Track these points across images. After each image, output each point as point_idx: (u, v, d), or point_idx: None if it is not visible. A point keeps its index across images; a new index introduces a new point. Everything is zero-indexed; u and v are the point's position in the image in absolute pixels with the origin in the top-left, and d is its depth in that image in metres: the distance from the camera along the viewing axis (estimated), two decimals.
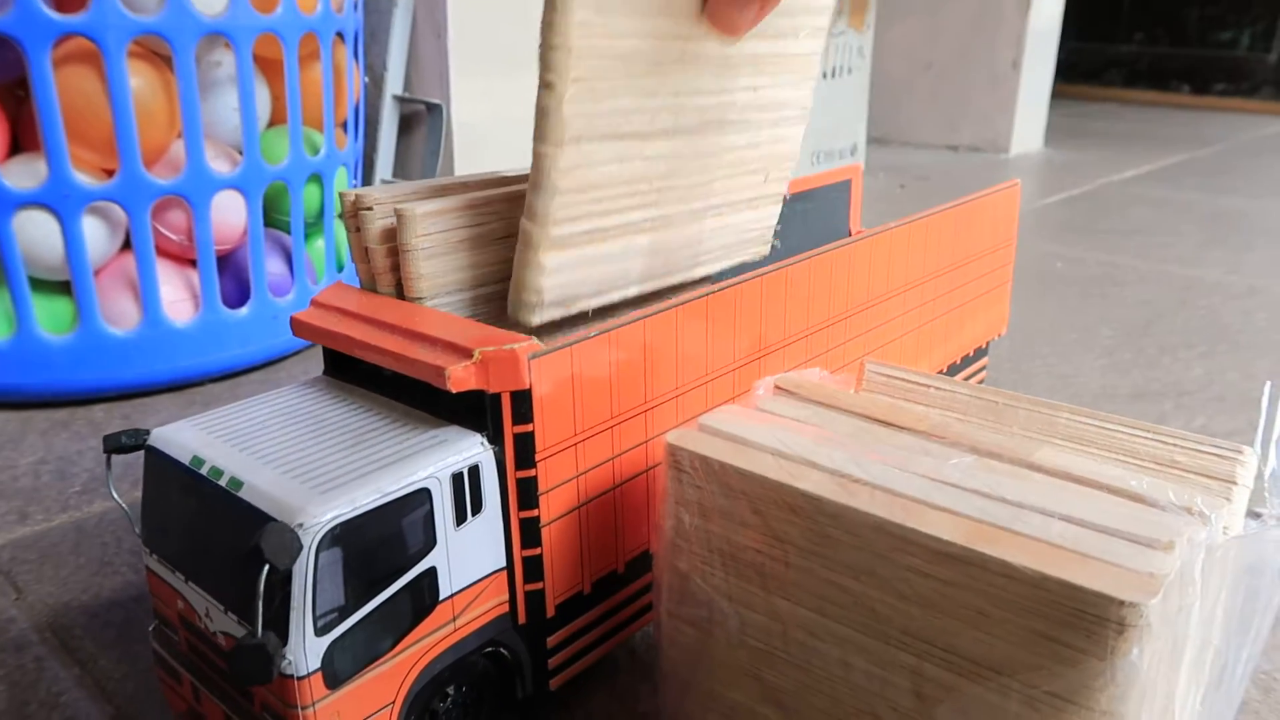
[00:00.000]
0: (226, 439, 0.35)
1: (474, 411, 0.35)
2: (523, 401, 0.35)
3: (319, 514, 0.30)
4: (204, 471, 0.34)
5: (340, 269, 0.86)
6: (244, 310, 0.75)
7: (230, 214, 0.73)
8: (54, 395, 0.71)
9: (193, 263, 0.74)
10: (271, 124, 0.79)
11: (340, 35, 0.80)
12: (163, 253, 0.72)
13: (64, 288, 0.70)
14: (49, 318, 0.70)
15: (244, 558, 0.31)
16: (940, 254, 0.59)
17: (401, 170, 1.02)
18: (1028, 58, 2.12)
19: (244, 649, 0.29)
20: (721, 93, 0.41)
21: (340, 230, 0.87)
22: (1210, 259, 1.18)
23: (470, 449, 0.34)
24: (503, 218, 0.41)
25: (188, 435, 0.36)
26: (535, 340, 0.35)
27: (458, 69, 0.96)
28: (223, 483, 0.33)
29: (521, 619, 0.38)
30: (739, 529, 0.33)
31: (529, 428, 0.35)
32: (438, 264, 0.38)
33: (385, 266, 0.40)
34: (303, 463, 0.33)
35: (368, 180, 1.01)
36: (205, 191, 0.70)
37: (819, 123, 1.63)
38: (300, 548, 0.29)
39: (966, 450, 0.34)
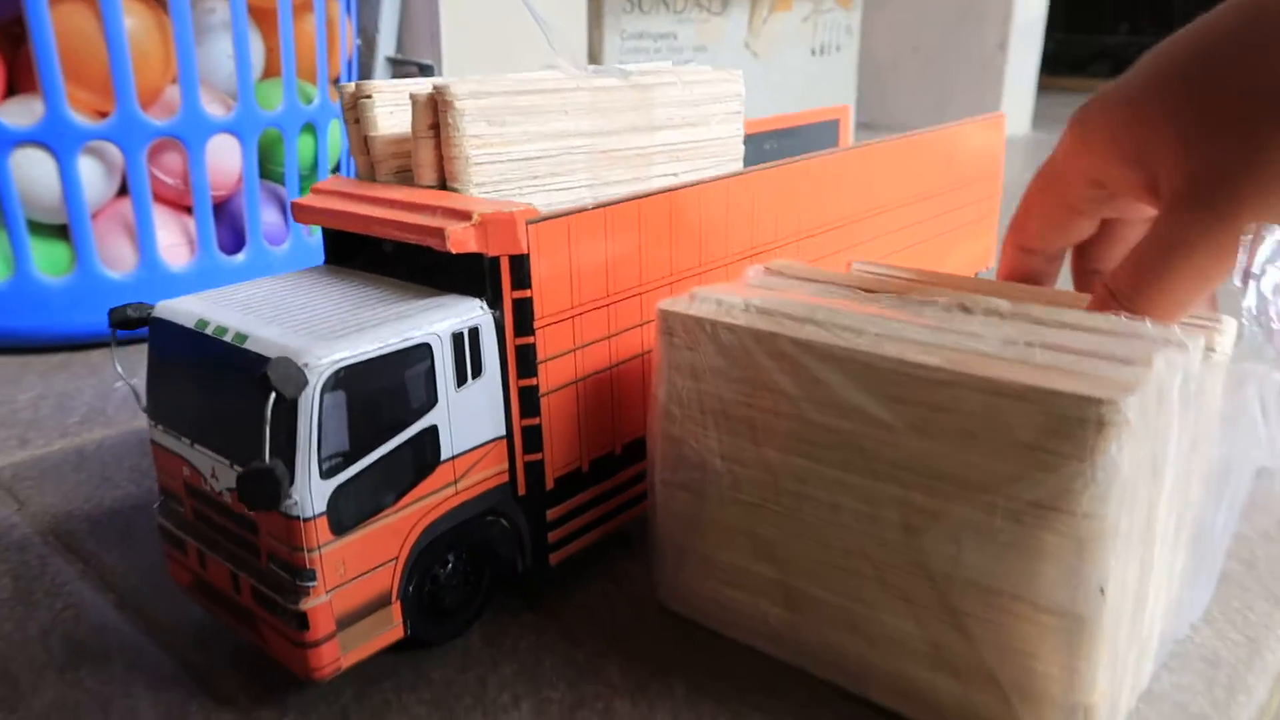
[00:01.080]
0: (231, 307, 0.36)
1: (473, 280, 0.36)
2: (521, 266, 0.36)
3: (324, 354, 0.31)
4: (209, 331, 0.34)
5: None
6: (240, 257, 0.76)
7: (226, 159, 0.74)
8: (51, 338, 0.72)
9: (189, 209, 0.75)
10: (266, 75, 0.80)
11: None
12: (159, 198, 0.73)
13: (60, 231, 0.71)
14: (46, 260, 0.70)
15: (250, 400, 0.32)
16: (925, 176, 0.60)
17: None
18: (1014, 40, 2.14)
19: (252, 473, 0.29)
20: (636, 181, 0.44)
21: None
22: None
23: (470, 311, 0.35)
24: (532, 114, 0.40)
25: (192, 304, 0.36)
26: (533, 206, 0.36)
27: (449, 30, 0.97)
28: (228, 338, 0.34)
29: (521, 490, 0.38)
30: (731, 385, 0.34)
31: (527, 294, 0.36)
32: (478, 150, 0.38)
33: (386, 155, 0.41)
34: (307, 321, 0.34)
35: None
36: (200, 134, 0.71)
37: (809, 98, 1.64)
38: (305, 381, 0.30)
39: (944, 304, 0.35)
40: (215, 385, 0.34)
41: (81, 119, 0.66)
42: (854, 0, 1.76)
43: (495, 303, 0.36)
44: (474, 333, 0.35)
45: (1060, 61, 3.19)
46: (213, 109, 0.72)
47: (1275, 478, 0.45)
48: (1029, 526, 0.28)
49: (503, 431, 0.37)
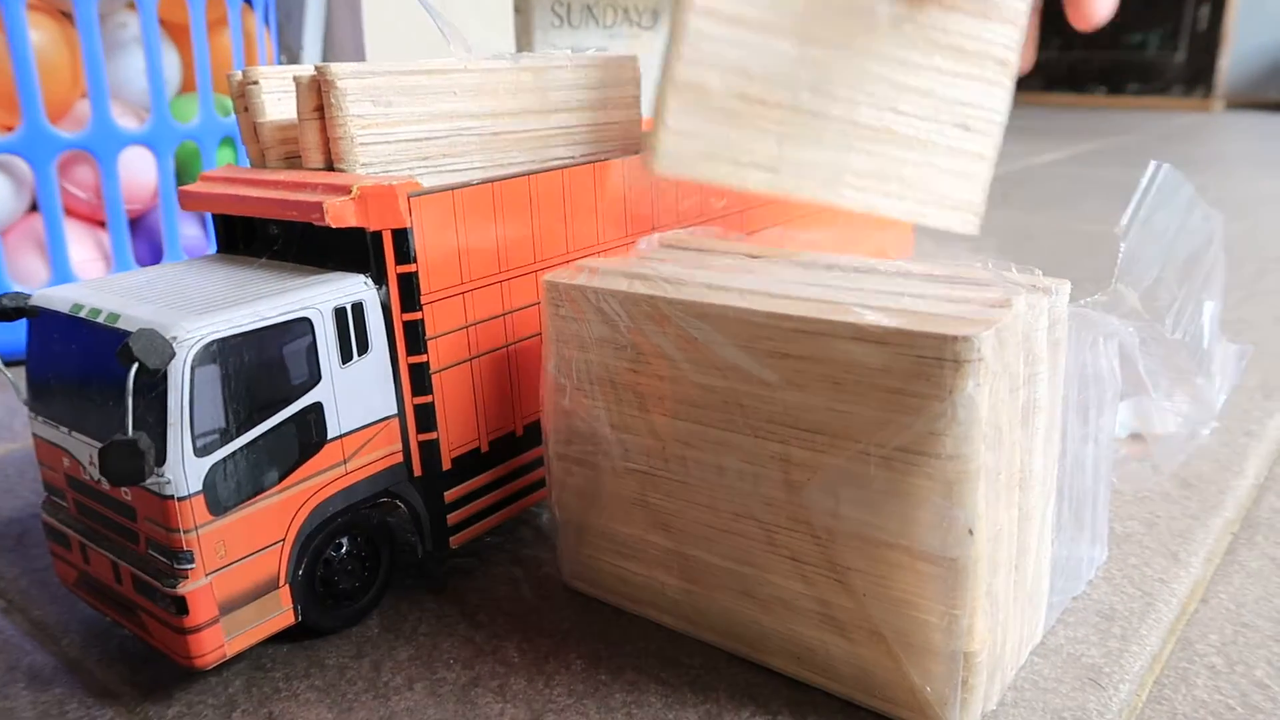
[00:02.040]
0: (111, 291, 0.35)
1: (357, 256, 0.36)
2: (404, 240, 0.36)
3: (194, 329, 0.31)
4: (83, 315, 0.34)
5: None
6: None
7: (140, 173, 0.73)
8: None
9: (103, 224, 0.74)
10: (183, 90, 0.79)
11: (249, 2, 0.81)
12: (72, 213, 0.72)
13: None
14: None
15: (120, 377, 0.31)
16: None
17: None
18: None
19: (114, 445, 0.29)
20: (532, 164, 0.42)
21: None
22: (1118, 218, 1.23)
23: (352, 286, 0.35)
24: (420, 94, 0.40)
25: (70, 290, 0.36)
26: (414, 179, 0.36)
27: (374, 49, 0.97)
28: (101, 319, 0.33)
29: (417, 470, 0.38)
30: (615, 353, 0.34)
31: (412, 268, 0.36)
32: (363, 130, 0.38)
33: (275, 140, 0.40)
34: (183, 299, 0.33)
35: None
36: (112, 146, 0.70)
37: None
38: (172, 353, 0.30)
39: (823, 265, 0.35)
40: (91, 369, 0.34)
41: None
42: None
43: (380, 278, 0.36)
44: (357, 308, 0.35)
45: None
46: (125, 122, 0.71)
47: (1176, 439, 0.46)
48: (899, 472, 0.28)
49: (394, 410, 0.37)
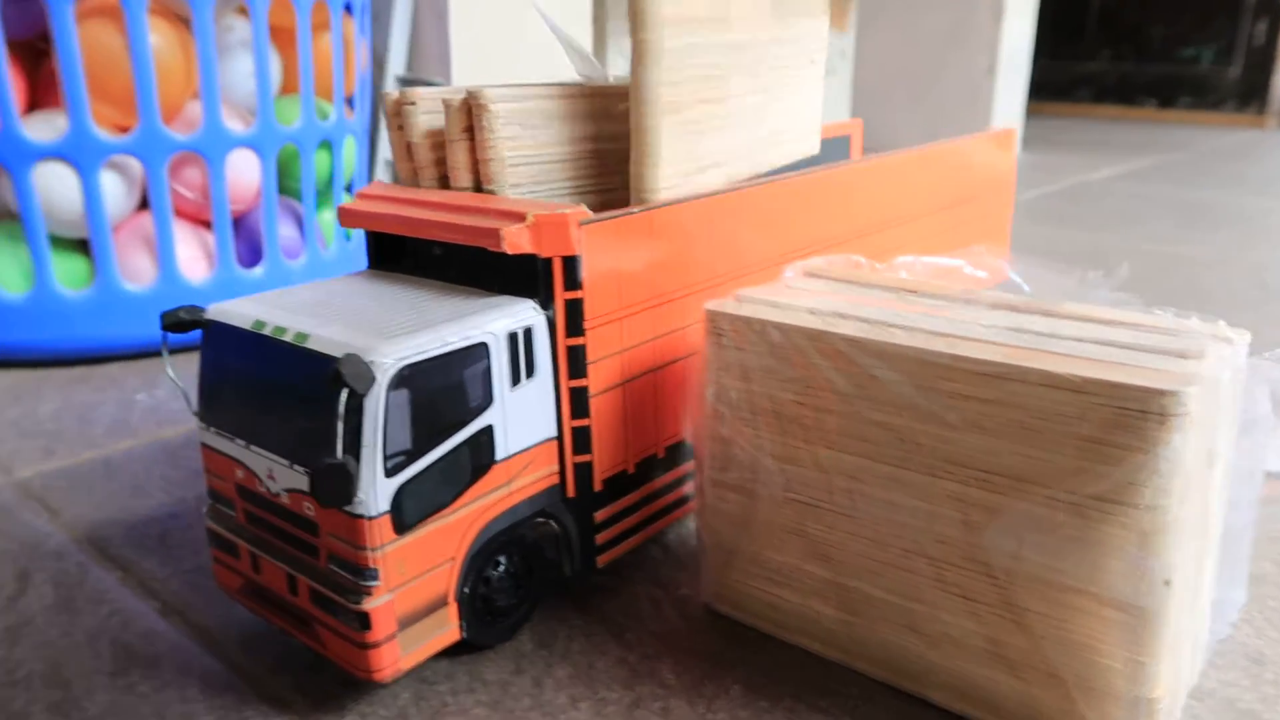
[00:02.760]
0: (286, 308, 0.36)
1: (524, 282, 0.36)
2: (573, 267, 0.36)
3: (390, 352, 0.31)
4: (267, 332, 0.35)
5: (349, 238, 0.87)
6: (258, 270, 0.76)
7: (245, 174, 0.74)
8: (70, 352, 0.71)
9: (207, 224, 0.75)
10: (283, 93, 0.80)
11: (349, 9, 0.82)
12: (178, 213, 0.73)
13: (79, 246, 0.71)
14: (66, 274, 0.70)
15: (316, 398, 0.32)
16: (940, 188, 0.61)
17: None
18: (1002, 66, 2.18)
19: (327, 468, 0.29)
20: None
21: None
22: (1184, 238, 1.22)
23: (524, 312, 0.36)
24: (564, 118, 0.42)
25: (247, 306, 0.37)
26: (583, 207, 0.36)
27: (459, 50, 0.98)
28: (287, 338, 0.34)
29: (570, 492, 0.39)
30: (782, 385, 0.35)
31: (579, 294, 0.37)
32: (513, 152, 0.39)
33: (429, 161, 0.41)
34: (365, 321, 0.34)
35: (372, 160, 1.02)
36: (221, 148, 0.71)
37: None
38: (374, 378, 0.30)
39: (988, 304, 0.35)
40: (274, 386, 0.35)
41: (104, 134, 0.67)
42: (847, 24, 1.79)
43: (547, 303, 0.36)
44: (528, 333, 0.36)
45: (1045, 88, 3.24)
46: (232, 124, 0.72)
47: None
48: (1092, 520, 0.29)
49: (554, 432, 0.38)
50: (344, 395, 0.30)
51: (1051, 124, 2.88)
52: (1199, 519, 0.30)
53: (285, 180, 0.80)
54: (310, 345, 0.33)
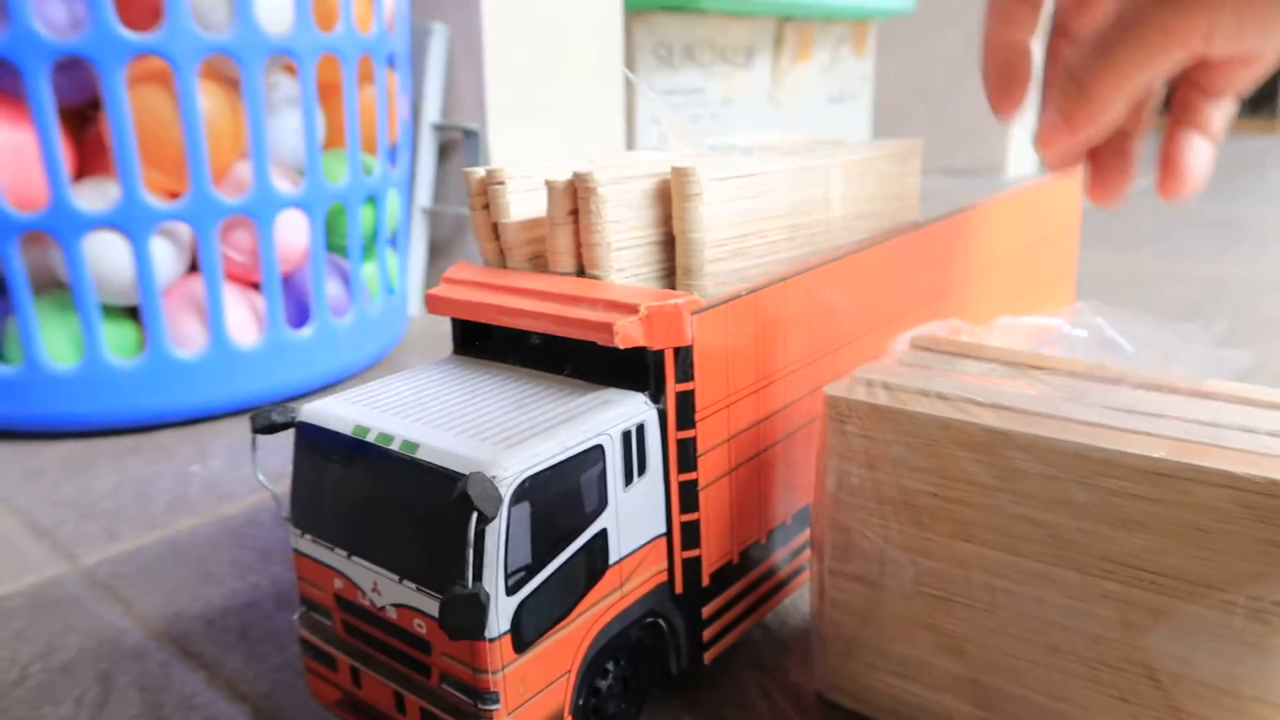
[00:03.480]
0: (383, 409, 0.35)
1: (630, 372, 0.35)
2: (685, 359, 0.35)
3: (511, 465, 0.30)
4: (371, 439, 0.33)
5: (392, 290, 0.86)
6: (306, 331, 0.75)
7: (292, 234, 0.73)
8: (122, 423, 0.70)
9: (254, 284, 0.74)
10: (326, 147, 0.79)
11: (391, 62, 0.81)
12: (227, 275, 0.72)
13: (128, 312, 0.70)
14: (116, 343, 0.69)
15: (430, 514, 0.31)
16: (1017, 234, 0.59)
17: (441, 196, 1.03)
18: None
19: (458, 599, 0.28)
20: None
21: (391, 254, 0.87)
22: (1224, 256, 1.20)
23: (636, 408, 0.34)
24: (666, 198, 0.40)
25: (342, 408, 0.35)
26: (695, 296, 0.35)
27: (494, 96, 0.97)
28: (395, 447, 0.32)
29: (679, 588, 0.37)
30: (913, 474, 0.33)
31: (690, 386, 0.35)
32: (618, 235, 0.38)
33: (520, 241, 0.40)
34: (472, 425, 0.33)
35: (410, 210, 1.01)
36: (270, 210, 0.70)
37: None
38: (500, 498, 0.29)
39: (1131, 384, 0.34)
40: (380, 496, 0.33)
41: (156, 200, 0.66)
42: (866, 49, 1.78)
43: (658, 396, 0.35)
44: (640, 429, 0.34)
45: None
46: (281, 185, 0.71)
47: None
48: (1272, 627, 0.27)
49: (663, 529, 0.36)
50: (474, 519, 0.28)
51: None
52: None
53: (331, 237, 0.78)
54: (421, 456, 0.31)
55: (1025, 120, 1.69)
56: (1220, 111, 0.40)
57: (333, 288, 0.78)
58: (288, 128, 0.74)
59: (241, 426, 0.72)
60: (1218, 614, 0.28)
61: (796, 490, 0.43)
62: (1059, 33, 0.41)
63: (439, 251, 1.04)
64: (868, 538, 0.35)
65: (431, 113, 0.98)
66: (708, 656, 0.39)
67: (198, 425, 0.73)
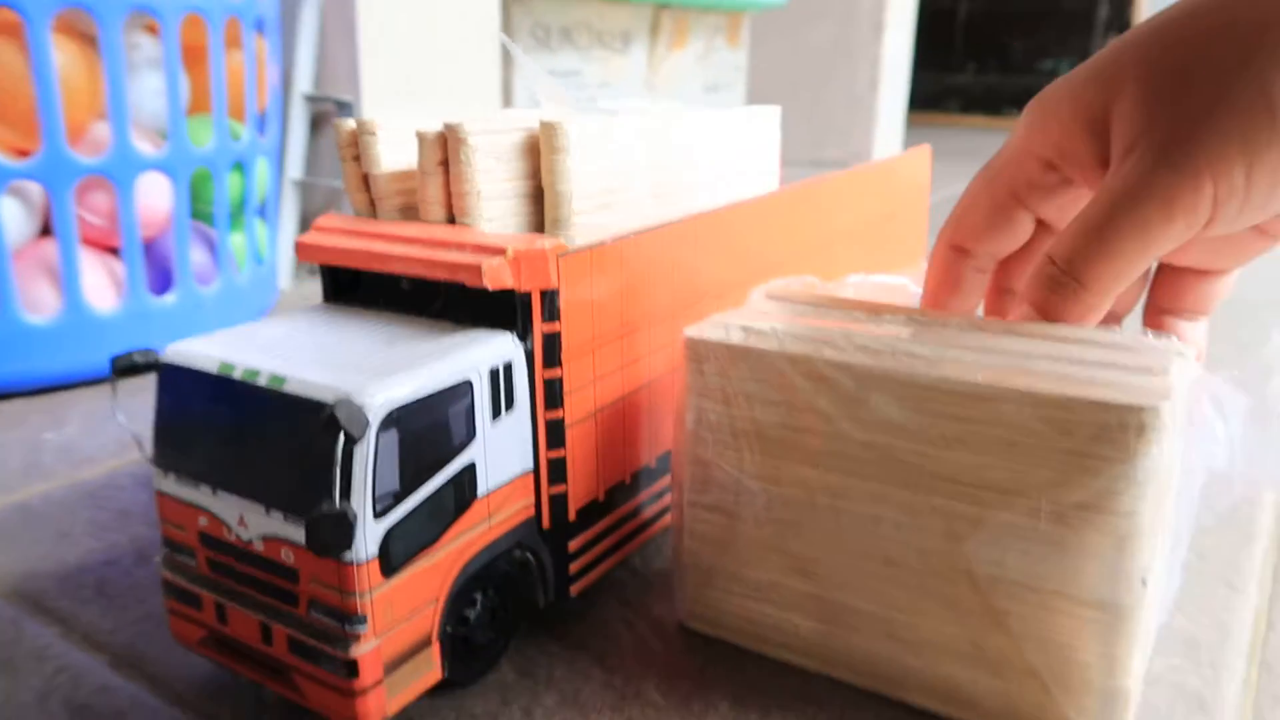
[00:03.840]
0: (251, 349, 0.35)
1: (499, 314, 0.36)
2: (551, 301, 0.36)
3: (379, 394, 0.31)
4: (237, 375, 0.33)
5: (261, 261, 0.84)
6: (169, 298, 0.73)
7: (154, 198, 0.71)
8: None
9: (113, 250, 0.71)
10: (192, 112, 0.77)
11: (260, 27, 0.80)
12: (84, 240, 0.69)
13: None
14: None
15: (298, 442, 0.31)
16: (872, 204, 0.63)
17: (312, 168, 1.01)
18: (884, 79, 2.26)
19: (325, 516, 0.29)
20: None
21: (261, 224, 0.85)
22: None
23: (504, 346, 0.35)
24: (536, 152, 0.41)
25: (207, 347, 0.35)
26: (561, 240, 0.36)
27: (368, 68, 0.96)
28: (261, 382, 0.33)
29: (545, 523, 0.39)
30: (764, 408, 0.36)
31: (556, 327, 0.37)
32: (488, 185, 0.39)
33: (390, 192, 0.40)
34: (341, 360, 0.33)
35: (280, 181, 0.99)
36: (130, 172, 0.68)
37: None
38: (367, 421, 0.30)
39: (957, 326, 0.37)
40: (247, 431, 0.33)
41: (5, 158, 0.63)
42: (741, 40, 1.82)
43: (525, 336, 0.36)
44: (508, 367, 0.36)
45: (916, 98, 3.40)
46: (141, 146, 0.69)
47: (1223, 478, 0.50)
48: (1073, 527, 0.31)
49: (530, 465, 0.37)
50: (341, 440, 0.29)
51: (925, 133, 3.00)
52: (1164, 519, 0.32)
53: (196, 204, 0.76)
54: (289, 389, 0.32)
55: (888, 115, 1.75)
56: (1220, 287, 0.37)
57: (198, 255, 0.76)
58: (149, 89, 0.72)
59: (100, 394, 0.70)
60: (1026, 519, 0.31)
61: (659, 436, 0.45)
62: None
63: (309, 225, 1.02)
64: (724, 470, 0.37)
65: (303, 83, 0.97)
66: (574, 590, 0.41)
67: (53, 394, 0.70)
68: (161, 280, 0.74)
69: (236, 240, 0.82)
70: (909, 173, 0.69)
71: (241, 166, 0.78)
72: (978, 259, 0.40)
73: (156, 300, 0.72)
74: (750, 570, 0.38)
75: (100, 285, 0.70)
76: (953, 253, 0.40)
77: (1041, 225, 0.39)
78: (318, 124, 1.01)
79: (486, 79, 1.09)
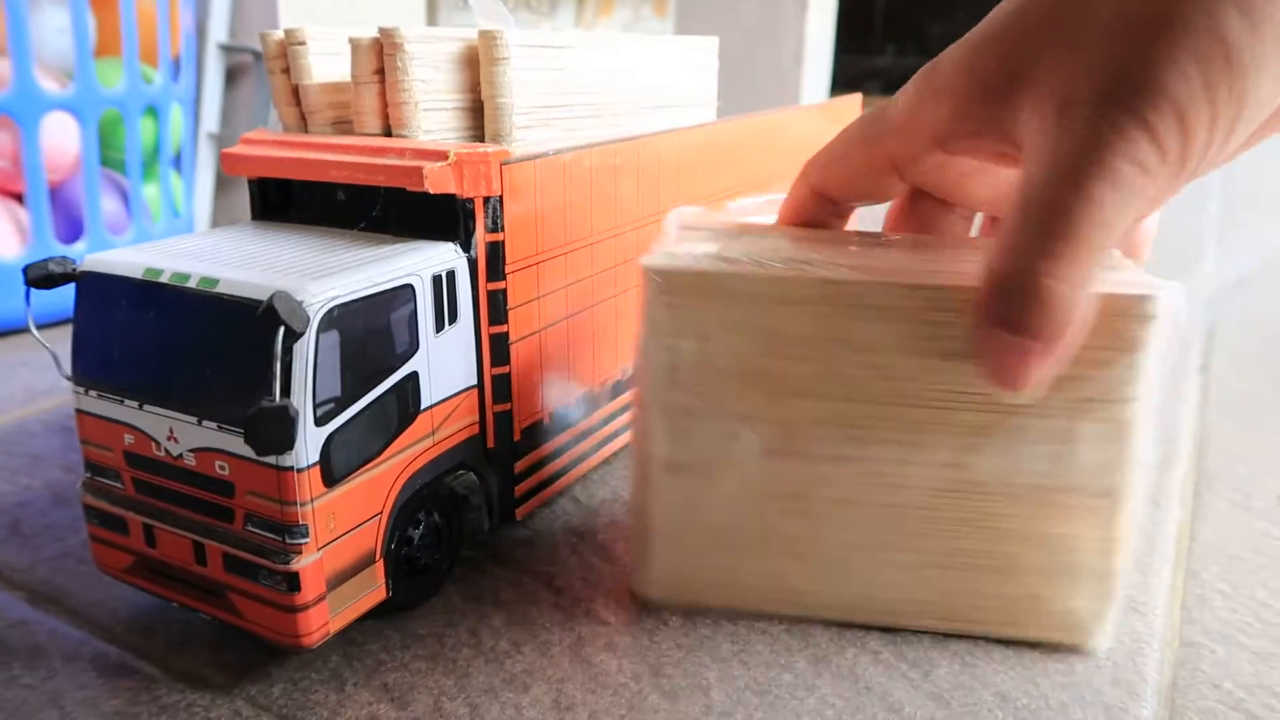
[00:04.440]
0: (179, 257, 0.33)
1: (443, 225, 0.35)
2: (495, 209, 0.35)
3: (318, 292, 0.30)
4: (164, 280, 0.32)
5: (178, 214, 0.81)
6: (79, 246, 0.69)
7: (61, 140, 0.67)
8: None
9: (18, 196, 0.68)
10: (99, 55, 0.73)
11: None
12: None
13: None
14: None
15: (234, 345, 0.30)
16: (799, 146, 0.63)
17: (229, 123, 0.97)
18: (808, 55, 2.29)
19: (265, 411, 0.27)
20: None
21: (176, 177, 0.81)
22: None
23: (446, 254, 0.34)
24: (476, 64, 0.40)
25: (131, 256, 0.34)
26: (505, 148, 0.35)
27: (287, 19, 0.93)
28: (191, 284, 0.31)
29: (490, 442, 0.38)
30: (749, 340, 0.33)
31: (500, 237, 0.36)
32: (426, 96, 0.37)
33: (322, 105, 0.39)
34: (277, 263, 0.32)
35: (196, 134, 0.95)
36: (34, 111, 0.64)
37: None
38: (308, 316, 0.29)
39: (914, 244, 0.37)
40: (176, 339, 0.32)
41: None
42: (667, 11, 1.82)
43: (468, 246, 0.35)
44: (450, 276, 0.35)
45: (838, 81, 3.45)
46: (46, 84, 0.65)
47: None
48: (1080, 420, 0.31)
49: (474, 381, 0.37)
50: (281, 333, 0.28)
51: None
52: (1151, 419, 0.33)
53: (106, 151, 0.73)
54: (221, 290, 0.31)
55: (811, 93, 1.75)
56: (1148, 229, 0.36)
57: (110, 204, 0.73)
58: (53, 26, 0.68)
59: (5, 348, 0.66)
60: (1034, 420, 0.32)
61: (604, 361, 0.44)
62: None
63: (227, 182, 0.98)
64: (701, 409, 0.34)
65: (218, 32, 0.93)
66: (519, 512, 0.40)
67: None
68: (71, 229, 0.71)
69: (151, 191, 0.78)
70: (841, 116, 0.69)
71: (155, 112, 0.75)
72: (839, 206, 0.39)
73: (65, 249, 0.69)
74: (737, 522, 0.35)
75: (3, 233, 0.66)
76: (814, 195, 0.38)
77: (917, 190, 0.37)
78: (234, 77, 0.97)
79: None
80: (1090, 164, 0.25)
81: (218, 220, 0.97)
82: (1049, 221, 0.26)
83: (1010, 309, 0.26)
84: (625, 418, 0.46)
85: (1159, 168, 0.25)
